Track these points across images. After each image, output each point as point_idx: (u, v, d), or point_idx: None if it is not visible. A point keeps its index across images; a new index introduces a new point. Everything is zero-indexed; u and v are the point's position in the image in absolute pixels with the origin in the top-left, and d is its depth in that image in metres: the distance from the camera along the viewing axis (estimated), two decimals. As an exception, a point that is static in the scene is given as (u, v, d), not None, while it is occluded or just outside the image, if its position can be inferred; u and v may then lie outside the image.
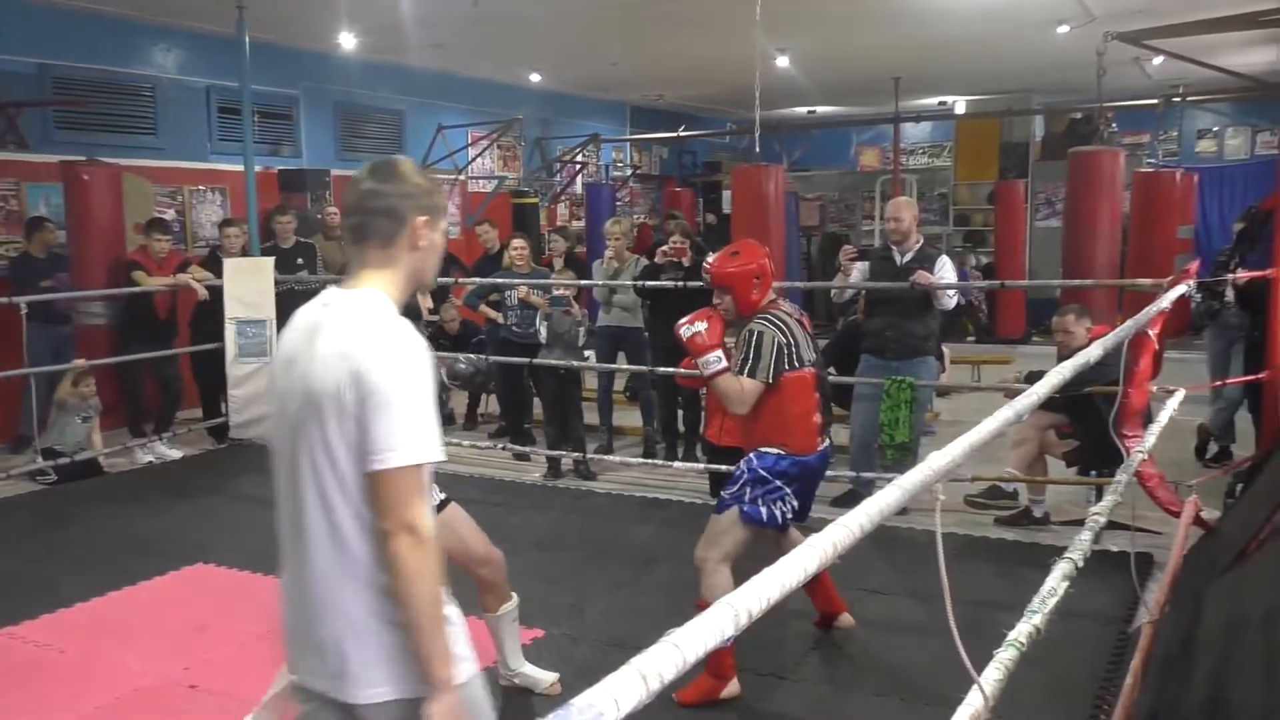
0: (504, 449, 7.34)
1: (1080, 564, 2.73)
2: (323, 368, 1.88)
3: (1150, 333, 4.36)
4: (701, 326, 3.70)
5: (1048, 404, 3.28)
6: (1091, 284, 6.86)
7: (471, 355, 3.24)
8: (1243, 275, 6.19)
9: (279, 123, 10.10)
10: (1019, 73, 12.31)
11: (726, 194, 14.09)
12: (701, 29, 9.22)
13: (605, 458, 7.21)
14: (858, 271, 6.21)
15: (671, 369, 6.43)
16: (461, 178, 12.05)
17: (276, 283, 7.61)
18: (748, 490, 3.69)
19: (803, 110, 15.41)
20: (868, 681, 3.95)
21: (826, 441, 3.89)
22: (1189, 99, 11.27)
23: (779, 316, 3.74)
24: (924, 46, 10.23)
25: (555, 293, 6.98)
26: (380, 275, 1.99)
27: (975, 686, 2.04)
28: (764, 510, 3.67)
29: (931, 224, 14.24)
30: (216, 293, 7.48)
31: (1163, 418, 4.35)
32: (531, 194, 12.21)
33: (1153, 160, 12.15)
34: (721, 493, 3.87)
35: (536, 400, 7.46)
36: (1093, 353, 3.28)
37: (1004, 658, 2.22)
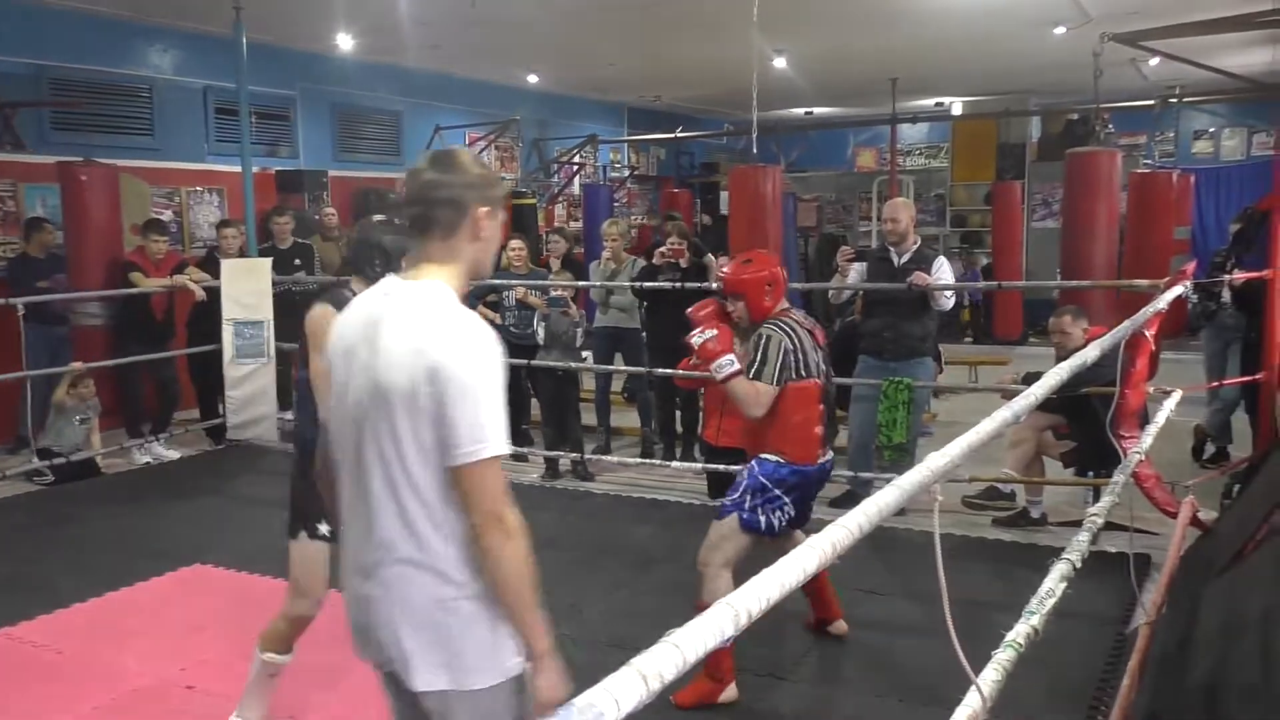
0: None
1: (1078, 565, 2.74)
2: (393, 362, 1.89)
3: (1147, 334, 4.36)
4: (711, 334, 3.75)
5: (1045, 405, 3.28)
6: (1089, 285, 6.86)
7: None
8: (1239, 276, 6.20)
9: (276, 123, 10.09)
10: (1016, 74, 12.32)
11: (724, 195, 14.11)
12: (699, 30, 9.22)
13: (603, 458, 7.21)
14: (855, 272, 6.22)
15: (669, 370, 6.45)
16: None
17: (274, 284, 7.61)
18: (748, 498, 3.71)
19: (800, 111, 15.42)
20: (866, 682, 3.95)
21: (829, 454, 3.89)
22: (1185, 100, 11.27)
23: (789, 324, 3.77)
24: (921, 48, 10.24)
25: (553, 293, 6.98)
26: (443, 267, 2.00)
27: (973, 687, 2.04)
28: (762, 519, 3.70)
29: (928, 225, 14.26)
30: (214, 294, 7.47)
31: (1160, 419, 4.36)
32: (529, 195, 12.21)
33: (1149, 161, 12.17)
34: (724, 498, 3.88)
35: (534, 401, 7.46)
36: (1090, 354, 3.28)
37: (1002, 659, 2.23)
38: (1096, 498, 5.09)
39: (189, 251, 8.81)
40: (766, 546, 3.73)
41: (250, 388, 7.59)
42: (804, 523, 3.91)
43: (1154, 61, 10.36)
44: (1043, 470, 5.76)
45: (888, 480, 1.80)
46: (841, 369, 6.39)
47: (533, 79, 12.39)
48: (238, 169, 8.14)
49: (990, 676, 2.15)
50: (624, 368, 7.35)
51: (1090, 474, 5.64)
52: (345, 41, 9.58)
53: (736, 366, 3.70)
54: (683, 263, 6.87)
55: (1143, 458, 4.14)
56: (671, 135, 14.19)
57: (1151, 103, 10.82)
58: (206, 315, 7.55)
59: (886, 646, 4.21)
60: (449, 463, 1.87)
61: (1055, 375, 2.85)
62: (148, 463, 7.39)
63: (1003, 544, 5.43)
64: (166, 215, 8.79)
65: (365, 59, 10.51)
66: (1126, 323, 3.97)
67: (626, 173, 15.61)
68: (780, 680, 3.88)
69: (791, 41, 9.68)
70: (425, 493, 1.91)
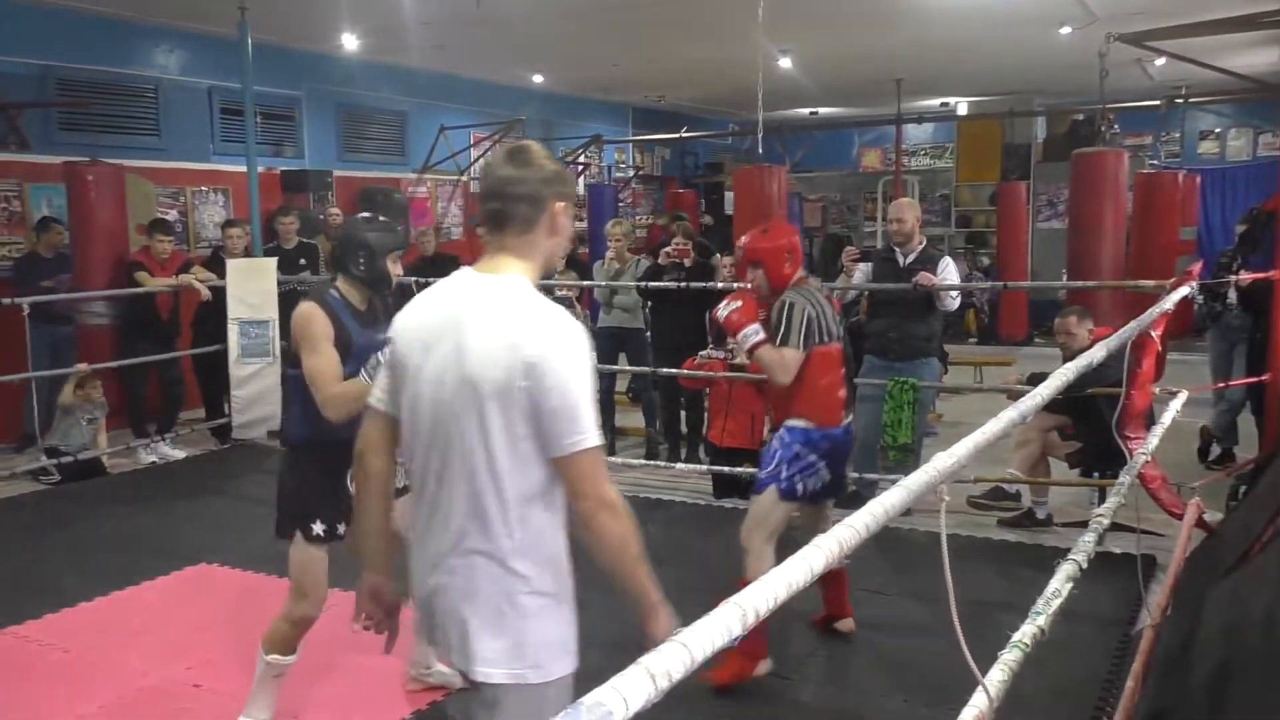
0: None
1: (1084, 566, 2.74)
2: (486, 356, 1.91)
3: (1153, 334, 4.35)
4: (736, 304, 3.81)
5: (1051, 405, 3.28)
6: (1094, 285, 6.85)
7: None
8: (1245, 277, 6.19)
9: (281, 123, 10.10)
10: (1021, 74, 12.31)
11: (729, 195, 14.10)
12: (703, 30, 9.22)
13: (607, 459, 7.20)
14: (860, 273, 6.21)
15: (673, 370, 6.45)
16: (464, 179, 12.06)
17: (279, 283, 7.62)
18: (783, 468, 3.76)
19: (805, 111, 15.42)
20: (871, 682, 3.95)
21: (850, 417, 3.96)
22: (1191, 100, 11.25)
23: (809, 291, 3.82)
24: (926, 48, 10.23)
25: (557, 294, 6.98)
26: (521, 261, 2.04)
27: (980, 687, 2.04)
28: (800, 485, 3.75)
29: (933, 225, 14.23)
30: (219, 293, 7.48)
31: (1165, 419, 4.35)
32: (534, 195, 12.20)
33: (1155, 162, 12.14)
34: (758, 473, 3.92)
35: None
36: (1096, 354, 3.28)
37: (1008, 659, 2.23)
38: (1102, 499, 5.08)
39: (194, 251, 8.82)
40: (801, 525, 3.78)
41: (255, 387, 7.60)
42: (840, 492, 3.96)
43: (1160, 61, 10.34)
44: (1048, 471, 5.75)
45: (893, 481, 1.80)
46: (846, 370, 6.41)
47: (538, 79, 12.40)
48: (243, 169, 8.15)
49: (996, 677, 2.14)
50: (628, 368, 7.35)
51: (1096, 475, 5.63)
52: (350, 42, 9.59)
53: (762, 335, 3.74)
54: (687, 262, 6.87)
55: (1148, 459, 4.13)
56: (676, 135, 14.18)
57: (1157, 103, 10.80)
58: (212, 315, 7.56)
59: (892, 646, 4.20)
60: (553, 453, 1.92)
61: (1061, 376, 2.85)
62: (153, 462, 7.40)
63: (1008, 544, 5.42)
64: (172, 215, 8.81)
65: (370, 59, 10.52)
66: (1132, 323, 3.97)
67: (631, 173, 15.61)
68: (785, 680, 3.88)
69: (796, 41, 9.68)
70: (506, 487, 1.95)
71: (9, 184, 7.89)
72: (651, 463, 7.00)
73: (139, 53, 8.85)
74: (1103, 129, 8.60)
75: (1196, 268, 5.39)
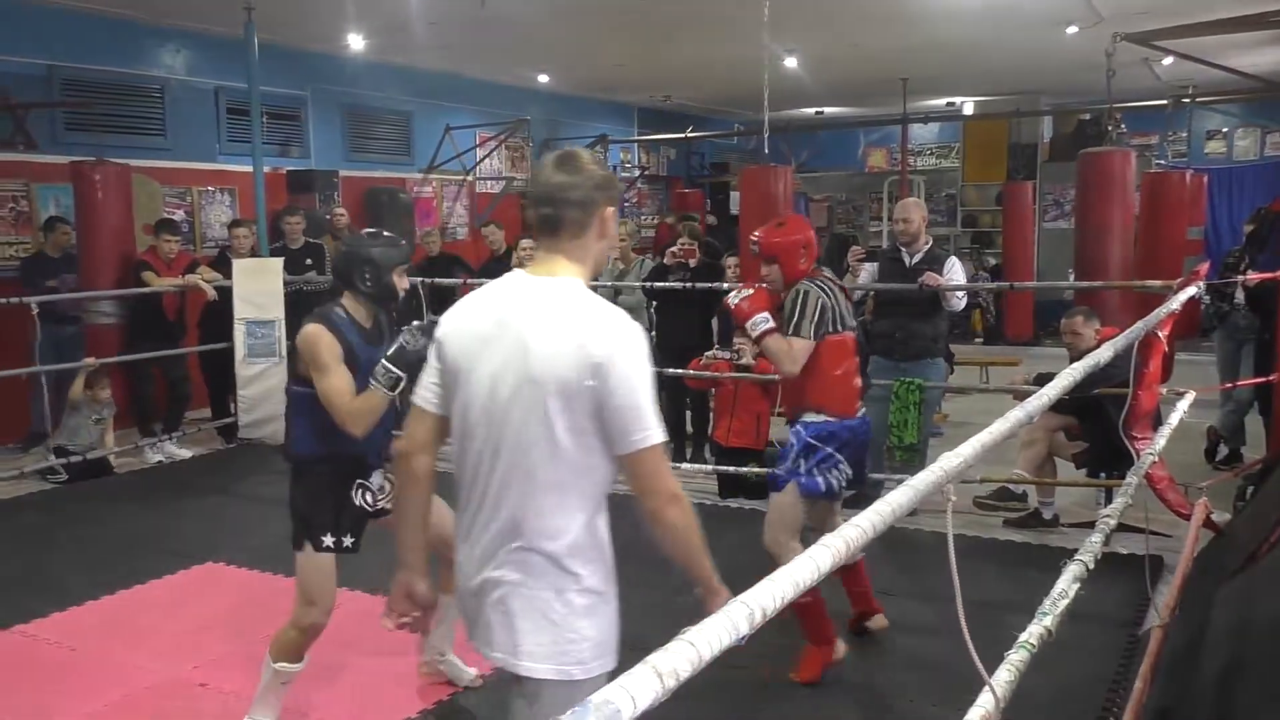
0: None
1: (1091, 566, 2.73)
2: (552, 357, 1.96)
3: (1160, 334, 4.34)
4: (747, 293, 3.82)
5: (1057, 406, 3.27)
6: (1100, 285, 6.83)
7: (408, 329, 3.22)
8: (1253, 277, 6.17)
9: (287, 124, 10.12)
10: (1027, 74, 12.29)
11: (734, 195, 14.10)
12: (709, 30, 9.22)
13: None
14: (866, 273, 6.20)
15: (679, 370, 6.45)
16: (469, 179, 12.07)
17: (285, 283, 7.64)
18: (802, 462, 3.74)
19: (810, 111, 15.39)
20: (877, 682, 3.94)
21: (864, 408, 3.95)
22: (1198, 100, 11.21)
23: (823, 281, 3.81)
24: (932, 48, 10.22)
25: None
26: (574, 264, 2.10)
27: (987, 687, 2.03)
28: (820, 480, 3.74)
29: (939, 225, 14.22)
30: (225, 293, 7.49)
31: (1172, 420, 4.34)
32: (539, 195, 12.21)
33: (1161, 161, 12.12)
34: (776, 469, 3.91)
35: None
36: (1103, 354, 3.27)
37: (1015, 659, 2.22)
38: (1109, 499, 5.08)
39: (200, 251, 8.84)
40: (810, 523, 3.80)
41: (261, 387, 7.61)
42: (863, 483, 3.95)
43: (1167, 61, 10.32)
44: (1055, 471, 5.74)
45: (899, 481, 1.80)
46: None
47: (543, 79, 12.40)
48: (249, 169, 8.17)
49: (1003, 677, 2.14)
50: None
51: (1102, 475, 5.62)
52: (356, 42, 9.61)
53: (771, 324, 3.74)
54: (692, 263, 6.87)
55: (1155, 459, 4.12)
56: (682, 135, 14.18)
57: (1164, 102, 10.77)
58: (218, 315, 7.58)
59: (898, 646, 4.19)
60: (624, 451, 1.99)
61: (1068, 376, 2.84)
62: (160, 461, 7.41)
63: (1014, 545, 5.41)
64: (178, 215, 8.83)
65: (376, 59, 10.53)
66: (1139, 324, 3.95)
67: (637, 173, 15.61)
68: (791, 680, 3.87)
69: (802, 41, 9.67)
70: (565, 485, 2.01)
71: (16, 184, 7.91)
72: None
73: (145, 53, 8.87)
74: (1109, 129, 8.58)
75: (1204, 268, 5.37)
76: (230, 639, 4.26)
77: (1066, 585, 2.57)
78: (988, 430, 2.11)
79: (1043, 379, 5.32)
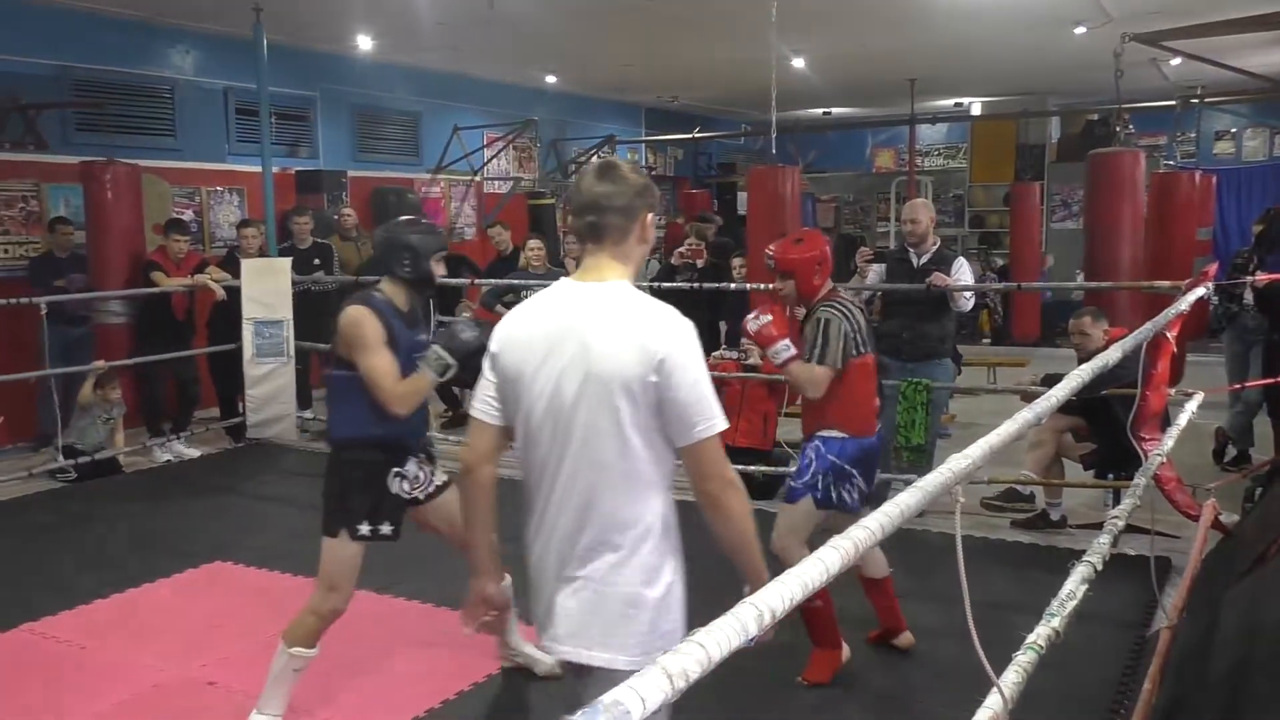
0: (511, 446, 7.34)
1: (1099, 567, 2.73)
2: (616, 356, 2.05)
3: (1169, 335, 4.33)
4: (767, 318, 3.79)
5: (1065, 407, 3.27)
6: (1108, 286, 6.81)
7: (465, 321, 3.37)
8: (1262, 278, 6.15)
9: (296, 124, 10.14)
10: (1035, 74, 12.26)
11: (741, 195, 14.10)
12: (717, 31, 9.21)
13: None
14: (874, 273, 6.20)
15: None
16: (477, 179, 12.08)
17: (294, 283, 7.66)
18: (819, 478, 3.76)
19: (818, 112, 15.38)
20: (884, 683, 3.94)
21: (879, 425, 3.97)
22: (1207, 100, 11.18)
23: (843, 305, 3.81)
24: (940, 48, 10.20)
25: None
26: (620, 267, 2.18)
27: (994, 689, 2.03)
28: (834, 494, 3.76)
29: (947, 226, 14.21)
30: (234, 293, 7.52)
31: (1181, 421, 4.32)
32: (547, 195, 12.23)
33: (1170, 162, 12.09)
34: (790, 481, 3.91)
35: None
36: (1111, 355, 3.26)
37: (1023, 660, 2.22)
38: (1117, 500, 5.07)
39: (209, 251, 8.86)
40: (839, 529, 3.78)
41: (270, 387, 7.64)
42: (875, 499, 3.95)
43: (1175, 61, 10.29)
44: (1062, 472, 5.73)
45: (906, 482, 1.80)
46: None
47: (551, 80, 12.41)
48: (258, 169, 8.19)
49: (1011, 678, 2.14)
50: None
51: (1110, 476, 5.61)
52: (365, 42, 9.63)
53: (793, 351, 3.74)
54: (700, 263, 6.88)
55: (1164, 460, 4.11)
56: (689, 136, 14.18)
57: (1173, 103, 10.74)
58: (227, 314, 7.60)
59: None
60: (685, 441, 2.07)
61: (1076, 377, 2.84)
62: (168, 461, 7.44)
63: (1022, 546, 5.40)
64: (187, 215, 8.85)
65: (384, 60, 10.55)
66: (1148, 324, 3.95)
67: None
68: (798, 680, 3.87)
69: (810, 42, 9.66)
70: (633, 479, 2.09)
71: (26, 184, 7.94)
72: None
73: (155, 53, 8.89)
74: (1118, 129, 8.55)
75: (1212, 269, 5.36)
76: (238, 637, 4.27)
77: (1074, 586, 2.57)
78: (996, 431, 2.11)
79: (1050, 380, 5.32)
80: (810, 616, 3.70)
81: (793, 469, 4.02)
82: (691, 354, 2.08)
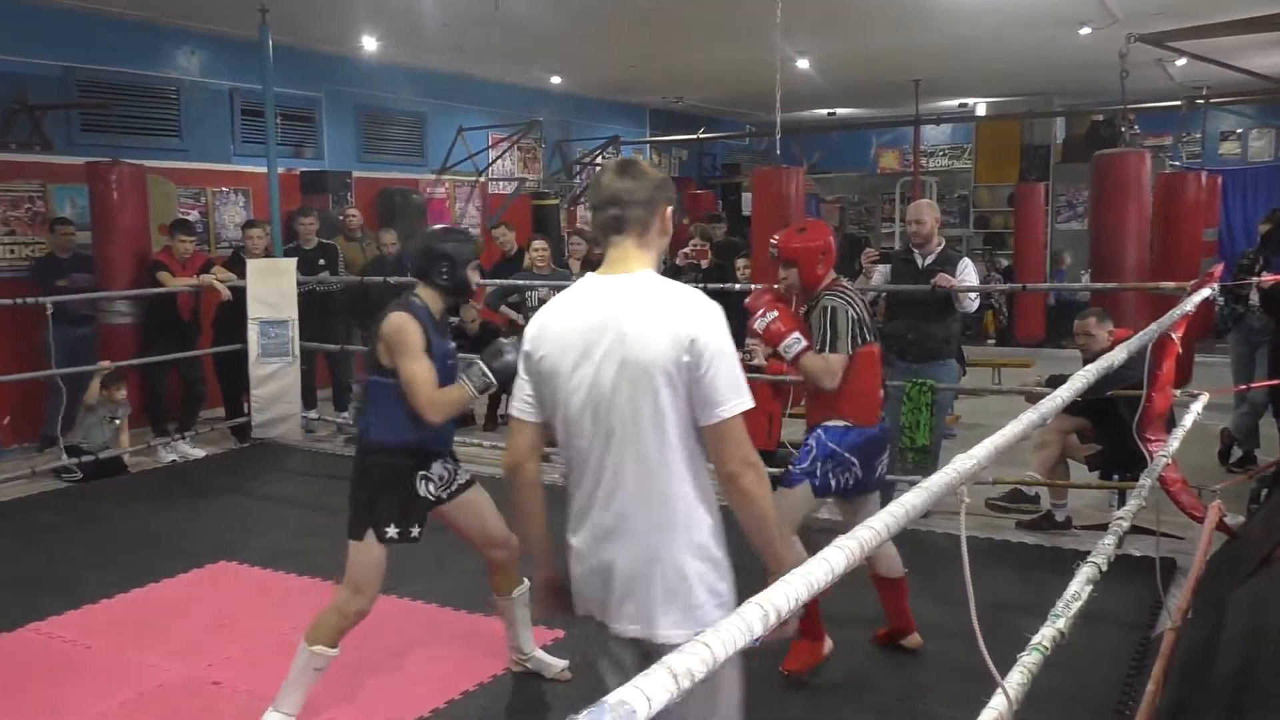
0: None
1: (1103, 569, 2.72)
2: (652, 341, 2.11)
3: (1174, 336, 4.33)
4: (773, 314, 3.78)
5: (1070, 408, 3.27)
6: (1114, 287, 6.80)
7: (511, 342, 3.46)
8: (1267, 279, 6.14)
9: (301, 125, 10.16)
10: (1040, 75, 12.25)
11: (746, 196, 14.10)
12: (721, 32, 9.22)
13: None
14: (880, 274, 6.20)
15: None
16: (482, 180, 12.10)
17: (299, 284, 7.67)
18: (819, 465, 3.75)
19: (823, 112, 15.38)
20: (889, 684, 3.94)
21: (882, 415, 3.96)
22: (1212, 101, 11.16)
23: (847, 294, 3.81)
24: (944, 49, 10.20)
25: (542, 296, 7.02)
26: (644, 257, 2.25)
27: (999, 690, 2.03)
28: (833, 481, 3.75)
29: (951, 226, 14.19)
30: (239, 293, 7.53)
31: (1186, 422, 4.32)
32: (552, 196, 12.24)
33: (1176, 163, 12.07)
34: (790, 466, 3.90)
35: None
36: (1117, 356, 3.26)
37: (1027, 661, 2.22)
38: (1122, 501, 5.07)
39: (215, 251, 8.88)
40: (843, 525, 3.78)
41: (275, 387, 7.65)
42: (876, 487, 3.95)
43: (1181, 62, 10.27)
44: (1067, 473, 5.72)
45: (911, 482, 1.80)
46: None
47: (555, 80, 12.42)
48: (263, 170, 8.21)
49: (1016, 679, 2.14)
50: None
51: (1115, 477, 5.61)
52: (370, 43, 9.64)
53: (804, 343, 3.73)
54: (704, 264, 6.88)
55: (1169, 461, 4.11)
56: (694, 136, 14.18)
57: (1178, 104, 10.72)
58: (232, 315, 7.61)
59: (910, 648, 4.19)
60: (710, 420, 2.11)
61: (1081, 378, 2.84)
62: (174, 461, 7.45)
63: (1026, 547, 5.40)
64: (193, 215, 8.87)
65: (389, 61, 10.56)
66: (1153, 325, 3.94)
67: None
68: (802, 682, 3.87)
69: (814, 43, 9.66)
70: (676, 459, 2.14)
71: (32, 185, 7.96)
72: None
73: (160, 54, 8.91)
74: (1123, 130, 8.55)
75: (1218, 269, 5.35)
76: (243, 638, 4.28)
77: (1079, 587, 2.57)
78: (1001, 432, 2.11)
79: (1055, 380, 5.31)
80: None
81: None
82: (720, 334, 2.13)
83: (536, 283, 7.23)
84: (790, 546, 3.67)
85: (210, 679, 3.94)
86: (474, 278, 3.52)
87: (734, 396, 2.12)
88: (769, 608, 1.17)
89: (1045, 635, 2.33)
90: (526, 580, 3.77)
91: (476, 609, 4.30)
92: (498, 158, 12.24)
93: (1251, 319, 6.66)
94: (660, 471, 2.15)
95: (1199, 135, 13.83)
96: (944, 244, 6.02)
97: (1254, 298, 6.50)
